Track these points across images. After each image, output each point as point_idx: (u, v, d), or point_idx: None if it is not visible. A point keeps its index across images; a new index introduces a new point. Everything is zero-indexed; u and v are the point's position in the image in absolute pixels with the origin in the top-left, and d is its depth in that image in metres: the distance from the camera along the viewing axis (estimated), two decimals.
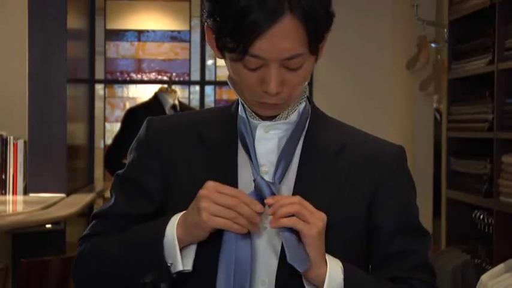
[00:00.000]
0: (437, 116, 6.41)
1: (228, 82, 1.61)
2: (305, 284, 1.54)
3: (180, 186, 1.61)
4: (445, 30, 5.14)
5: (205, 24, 1.56)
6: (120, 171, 1.72)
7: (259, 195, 1.54)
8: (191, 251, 1.56)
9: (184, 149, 1.63)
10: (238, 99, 1.65)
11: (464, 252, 4.35)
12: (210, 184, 1.52)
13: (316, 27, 1.51)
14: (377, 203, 1.62)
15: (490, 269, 3.59)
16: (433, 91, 5.80)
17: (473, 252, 4.31)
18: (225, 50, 1.53)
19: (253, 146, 1.60)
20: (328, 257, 1.53)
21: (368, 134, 1.71)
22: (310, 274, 1.52)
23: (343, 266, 1.54)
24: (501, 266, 3.39)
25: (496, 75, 4.03)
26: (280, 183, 1.58)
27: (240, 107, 1.65)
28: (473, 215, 4.35)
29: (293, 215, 1.49)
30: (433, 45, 5.75)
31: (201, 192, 1.52)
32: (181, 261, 1.54)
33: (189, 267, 1.55)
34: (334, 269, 1.53)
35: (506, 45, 3.99)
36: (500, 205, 3.97)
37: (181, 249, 1.55)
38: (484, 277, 3.39)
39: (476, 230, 4.36)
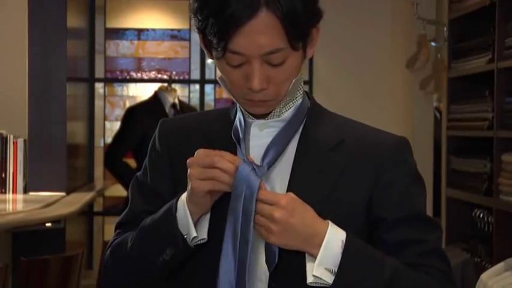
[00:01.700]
0: (437, 114, 6.41)
1: (220, 82, 1.62)
2: (306, 259, 1.54)
3: (187, 185, 1.62)
4: (445, 28, 5.13)
5: (194, 25, 1.59)
6: (138, 173, 1.76)
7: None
8: (205, 221, 1.59)
9: (191, 149, 1.65)
10: (236, 103, 1.68)
11: (464, 251, 4.35)
12: (200, 151, 1.57)
13: (295, 23, 1.52)
14: (377, 197, 1.61)
15: (490, 267, 3.59)
16: (432, 90, 5.80)
17: (473, 251, 4.31)
18: (210, 48, 1.56)
19: (244, 140, 1.62)
20: (330, 230, 1.53)
21: (370, 127, 1.70)
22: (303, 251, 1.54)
23: (346, 240, 1.53)
24: (501, 265, 3.40)
25: (496, 73, 4.03)
26: (268, 169, 1.59)
27: (238, 108, 1.67)
28: (473, 214, 4.35)
29: None
30: (433, 43, 5.75)
31: (189, 159, 1.57)
32: (195, 229, 1.57)
33: (204, 235, 1.58)
34: (331, 243, 1.52)
35: (506, 43, 3.99)
36: (500, 204, 3.97)
37: (196, 221, 1.58)
38: (484, 276, 3.39)
39: (476, 228, 4.36)
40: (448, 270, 1.63)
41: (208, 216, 1.60)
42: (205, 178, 1.54)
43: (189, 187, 1.57)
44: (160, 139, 1.72)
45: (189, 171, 1.56)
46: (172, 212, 1.59)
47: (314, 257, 1.52)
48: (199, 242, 1.59)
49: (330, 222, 1.54)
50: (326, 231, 1.53)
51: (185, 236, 1.58)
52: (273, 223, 1.51)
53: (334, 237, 1.53)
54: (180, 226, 1.58)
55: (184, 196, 1.59)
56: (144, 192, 1.72)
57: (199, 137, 1.67)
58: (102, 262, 1.76)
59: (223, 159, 1.54)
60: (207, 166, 1.54)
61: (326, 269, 1.51)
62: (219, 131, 1.67)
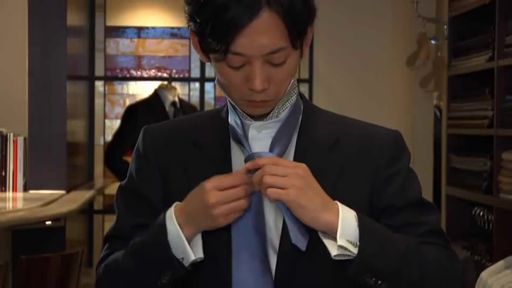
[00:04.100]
0: (437, 113, 6.41)
1: (217, 85, 1.61)
2: (321, 237, 1.53)
3: (179, 193, 1.62)
4: (445, 27, 5.14)
5: (189, 28, 1.57)
6: (122, 183, 1.74)
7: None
8: (198, 240, 1.57)
9: (180, 156, 1.64)
10: (227, 103, 1.66)
11: (464, 249, 4.35)
12: (209, 186, 1.53)
13: (296, 21, 1.52)
14: (376, 193, 1.63)
15: (490, 265, 3.59)
16: (433, 88, 5.80)
17: (473, 249, 4.31)
18: (208, 51, 1.54)
19: (247, 141, 1.61)
20: (341, 205, 1.53)
21: (364, 123, 1.71)
22: (318, 224, 1.51)
23: (358, 214, 1.53)
24: (501, 263, 3.40)
25: (496, 72, 4.03)
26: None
27: (230, 110, 1.65)
28: (473, 212, 4.36)
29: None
30: (433, 42, 5.75)
31: (208, 200, 1.52)
32: (192, 251, 1.55)
33: (200, 255, 1.57)
34: (346, 216, 1.52)
35: (506, 42, 3.99)
36: (500, 202, 3.97)
37: (188, 241, 1.56)
38: (484, 274, 3.40)
39: (476, 226, 4.36)
40: (449, 245, 1.66)
41: (200, 234, 1.57)
42: (233, 210, 1.54)
43: (209, 222, 1.54)
44: (145, 146, 1.69)
45: (211, 211, 1.52)
46: (163, 236, 1.56)
47: (328, 230, 1.51)
48: (195, 261, 1.57)
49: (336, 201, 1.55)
50: (338, 205, 1.53)
51: (181, 260, 1.56)
52: (296, 178, 1.50)
53: (347, 212, 1.53)
54: (174, 249, 1.55)
55: (171, 215, 1.56)
56: (130, 203, 1.69)
57: (189, 143, 1.65)
58: (96, 276, 1.73)
59: (248, 186, 1.54)
60: (234, 199, 1.53)
61: (348, 240, 1.51)
62: (210, 138, 1.66)
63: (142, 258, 1.60)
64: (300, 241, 1.53)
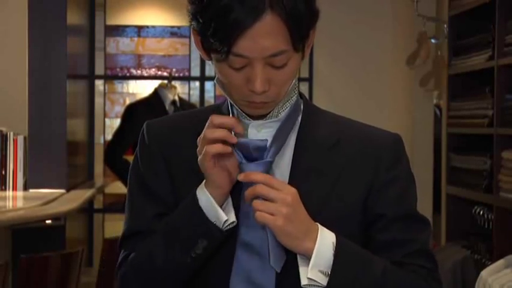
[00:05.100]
0: (437, 112, 6.41)
1: (217, 84, 1.61)
2: (299, 262, 1.54)
3: (187, 185, 1.62)
4: (445, 26, 5.14)
5: (191, 26, 1.57)
6: (129, 181, 1.72)
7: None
8: (229, 206, 1.58)
9: (185, 149, 1.64)
10: (227, 99, 1.66)
11: (464, 248, 4.35)
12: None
13: (299, 24, 1.51)
14: (374, 195, 1.62)
15: (490, 264, 3.60)
16: (433, 87, 5.80)
17: (473, 248, 4.32)
18: (210, 51, 1.54)
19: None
20: (321, 231, 1.54)
21: (364, 124, 1.71)
22: (298, 250, 1.53)
23: (336, 241, 1.54)
24: (501, 262, 3.41)
25: (496, 71, 4.03)
26: (272, 164, 1.59)
27: (230, 108, 1.65)
28: (473, 211, 4.36)
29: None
30: (433, 40, 5.75)
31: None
32: (223, 213, 1.56)
33: (233, 218, 1.57)
34: (323, 245, 1.52)
35: (506, 41, 3.99)
36: (500, 201, 3.98)
37: (220, 206, 1.57)
38: (484, 273, 3.40)
39: (476, 225, 4.37)
40: (434, 268, 1.65)
41: (230, 201, 1.58)
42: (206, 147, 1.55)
43: (204, 171, 1.56)
44: (150, 140, 1.69)
45: (199, 158, 1.56)
46: (195, 203, 1.56)
47: (306, 256, 1.53)
48: (229, 226, 1.57)
49: (318, 224, 1.55)
50: (318, 231, 1.54)
51: (214, 222, 1.56)
52: (285, 206, 1.50)
53: (325, 239, 1.54)
54: (207, 214, 1.56)
55: (202, 186, 1.57)
56: (140, 197, 1.68)
57: (192, 137, 1.64)
58: (118, 279, 1.69)
59: (211, 121, 1.56)
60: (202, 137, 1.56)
61: (320, 271, 1.52)
62: None
63: (175, 232, 1.59)
64: (276, 263, 1.56)
